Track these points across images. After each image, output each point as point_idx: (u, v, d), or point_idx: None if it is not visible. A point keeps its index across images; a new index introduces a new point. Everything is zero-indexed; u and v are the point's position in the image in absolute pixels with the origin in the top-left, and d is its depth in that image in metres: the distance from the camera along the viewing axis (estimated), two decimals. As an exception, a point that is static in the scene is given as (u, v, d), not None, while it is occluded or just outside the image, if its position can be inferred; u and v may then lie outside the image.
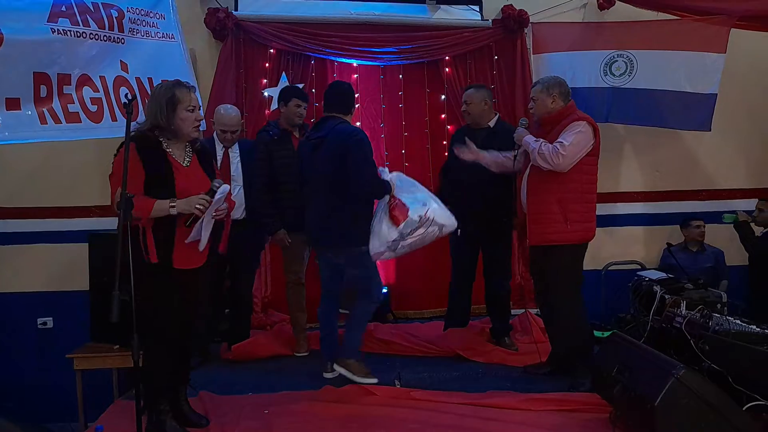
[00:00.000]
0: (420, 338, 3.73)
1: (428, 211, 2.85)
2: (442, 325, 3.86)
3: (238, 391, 2.96)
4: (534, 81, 4.30)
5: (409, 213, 2.82)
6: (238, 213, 3.34)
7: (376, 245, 2.86)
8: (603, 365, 2.70)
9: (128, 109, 2.22)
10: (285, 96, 3.59)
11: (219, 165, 3.33)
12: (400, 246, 2.87)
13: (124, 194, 2.10)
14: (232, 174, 3.39)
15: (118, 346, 3.70)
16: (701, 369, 2.72)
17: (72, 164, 4.08)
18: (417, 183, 3.04)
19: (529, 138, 3.07)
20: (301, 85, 4.21)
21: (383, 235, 2.83)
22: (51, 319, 4.25)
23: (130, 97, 2.41)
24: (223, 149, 3.47)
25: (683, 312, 3.16)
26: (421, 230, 2.86)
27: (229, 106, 3.61)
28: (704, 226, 4.41)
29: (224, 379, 3.17)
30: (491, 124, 3.61)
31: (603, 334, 3.56)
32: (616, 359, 2.61)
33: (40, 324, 4.24)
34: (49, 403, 3.95)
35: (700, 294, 3.37)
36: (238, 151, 3.50)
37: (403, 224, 2.81)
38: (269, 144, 3.49)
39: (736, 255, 4.42)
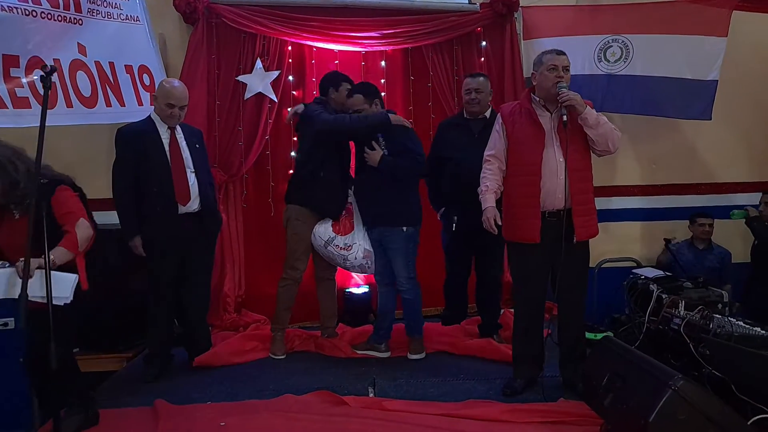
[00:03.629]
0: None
1: (359, 249, 3.31)
2: (431, 326, 3.63)
3: (196, 399, 2.71)
4: (524, 68, 4.17)
5: (355, 232, 3.34)
6: (195, 205, 3.05)
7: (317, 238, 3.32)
8: (593, 373, 2.46)
9: (45, 83, 1.98)
10: (335, 81, 3.43)
11: (167, 148, 3.00)
12: (324, 249, 3.33)
13: None
14: (183, 158, 3.03)
15: (78, 349, 3.49)
16: (701, 376, 2.49)
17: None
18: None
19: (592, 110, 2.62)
20: (276, 73, 3.98)
21: (320, 231, 3.33)
22: (12, 320, 4.00)
23: (48, 69, 2.11)
24: (169, 130, 3.03)
25: (681, 313, 2.93)
26: (344, 252, 3.31)
27: (174, 79, 3.30)
28: (712, 224, 4.17)
29: (184, 385, 2.92)
30: (487, 115, 3.43)
31: (596, 336, 3.31)
32: (608, 367, 2.37)
33: (0, 324, 4.00)
34: (2, 410, 3.71)
35: (700, 293, 3.13)
36: (181, 132, 3.08)
37: (337, 237, 3.31)
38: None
39: (741, 253, 4.22)
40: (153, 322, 3.09)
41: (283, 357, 3.32)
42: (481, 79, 3.44)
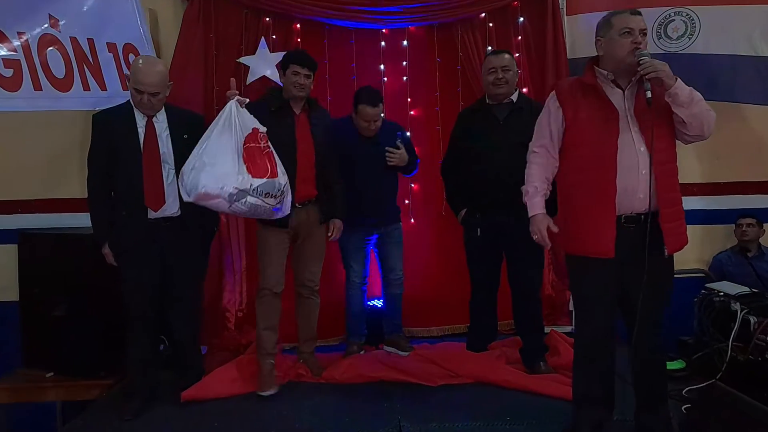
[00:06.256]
0: (428, 362, 2.99)
1: (286, 184, 2.55)
2: (455, 346, 3.22)
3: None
4: (568, 49, 3.63)
5: (279, 172, 2.49)
6: (174, 209, 2.55)
7: (209, 182, 2.31)
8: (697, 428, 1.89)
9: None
10: (283, 62, 2.88)
11: (142, 140, 2.50)
12: (237, 203, 2.37)
13: None
14: (161, 152, 2.53)
15: (52, 374, 3.01)
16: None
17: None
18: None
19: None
20: (283, 54, 3.43)
21: (228, 176, 2.33)
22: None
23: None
24: (145, 119, 2.55)
25: (780, 341, 2.37)
26: (270, 200, 2.44)
27: (151, 57, 2.82)
28: (756, 225, 3.62)
29: (169, 425, 2.42)
30: (513, 98, 2.96)
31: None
32: (720, 425, 1.81)
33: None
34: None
35: (798, 315, 2.56)
36: (165, 121, 2.58)
37: (264, 180, 2.40)
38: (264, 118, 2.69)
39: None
40: (131, 347, 2.60)
41: (272, 392, 2.71)
42: (507, 56, 2.99)
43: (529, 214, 2.19)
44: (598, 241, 2.07)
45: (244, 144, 2.41)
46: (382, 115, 3.08)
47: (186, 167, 2.37)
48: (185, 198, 2.38)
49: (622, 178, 2.05)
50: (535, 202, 2.19)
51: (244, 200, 2.35)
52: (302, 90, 2.80)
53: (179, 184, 2.40)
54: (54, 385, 2.94)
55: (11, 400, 2.95)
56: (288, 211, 2.63)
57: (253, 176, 2.37)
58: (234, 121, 2.41)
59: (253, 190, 2.37)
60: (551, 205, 2.28)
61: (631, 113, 2.11)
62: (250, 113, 2.57)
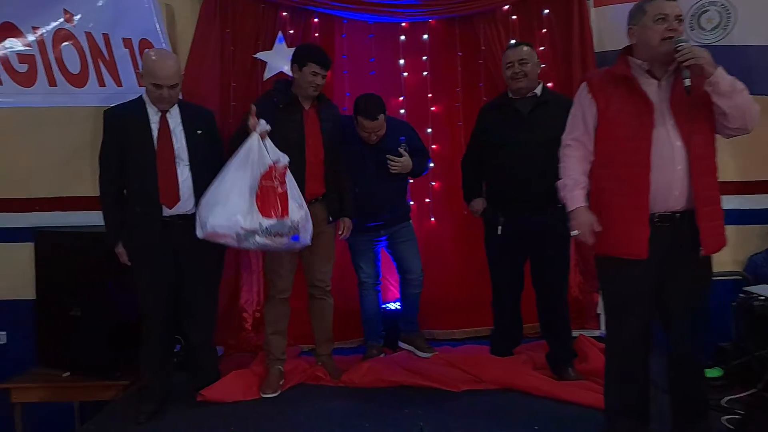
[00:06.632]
0: (450, 366, 2.88)
1: (304, 216, 2.50)
2: (479, 349, 3.12)
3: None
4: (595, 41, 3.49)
5: (291, 209, 2.43)
6: (188, 206, 2.48)
7: (219, 221, 2.32)
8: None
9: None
10: (300, 58, 2.72)
11: (156, 137, 2.44)
12: (246, 242, 2.37)
13: None
14: (175, 149, 2.46)
15: (68, 374, 2.97)
16: None
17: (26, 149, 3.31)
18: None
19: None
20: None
21: (238, 216, 2.32)
22: (5, 333, 3.51)
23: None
24: (159, 114, 2.48)
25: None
26: (279, 239, 2.40)
27: (161, 49, 2.76)
28: None
29: (184, 427, 2.37)
30: (537, 92, 2.84)
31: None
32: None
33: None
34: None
35: None
36: (178, 116, 2.51)
37: (274, 221, 2.37)
38: (272, 113, 2.63)
39: None
40: (145, 347, 2.54)
41: (273, 395, 2.68)
42: (525, 48, 2.86)
43: (569, 208, 2.05)
44: (630, 242, 1.94)
45: (260, 182, 2.37)
46: (384, 124, 2.90)
47: (203, 199, 2.37)
48: (198, 233, 2.38)
49: (657, 174, 1.92)
50: (574, 195, 2.05)
51: (252, 240, 2.35)
52: (317, 90, 2.72)
53: (197, 214, 2.39)
54: (71, 386, 2.91)
55: (30, 400, 2.92)
56: (308, 242, 2.56)
57: (263, 216, 2.35)
58: (253, 158, 2.38)
59: (263, 230, 2.35)
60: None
61: (667, 105, 1.98)
62: (258, 109, 2.53)
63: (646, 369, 2.07)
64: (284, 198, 2.41)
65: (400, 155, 2.89)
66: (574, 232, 2.03)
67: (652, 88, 2.01)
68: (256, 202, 2.34)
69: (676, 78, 1.98)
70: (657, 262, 1.94)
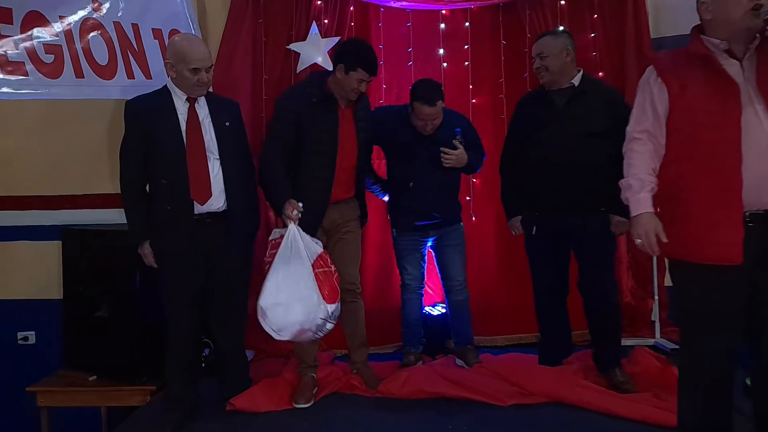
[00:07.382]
0: (495, 377, 2.68)
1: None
2: (526, 358, 2.92)
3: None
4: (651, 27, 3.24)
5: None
6: (220, 203, 2.33)
7: (301, 317, 2.27)
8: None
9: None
10: (349, 60, 2.48)
11: (184, 129, 2.29)
12: (320, 331, 2.35)
13: None
14: (205, 142, 2.30)
15: (94, 377, 2.87)
16: None
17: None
18: None
19: None
20: (335, 39, 3.23)
21: (314, 308, 2.29)
22: (33, 333, 3.44)
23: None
24: (187, 105, 2.32)
25: None
26: (333, 321, 2.38)
27: (188, 34, 2.63)
28: None
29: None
30: (575, 82, 2.61)
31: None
32: None
33: (20, 339, 3.45)
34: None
35: None
36: (206, 107, 2.35)
37: (336, 305, 2.36)
38: (309, 109, 2.48)
39: None
40: (171, 355, 2.41)
41: (306, 405, 2.51)
42: (546, 38, 2.65)
43: (633, 213, 1.82)
44: (720, 245, 1.70)
45: (314, 269, 2.32)
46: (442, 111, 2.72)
47: (265, 302, 2.27)
48: (276, 336, 2.31)
49: (750, 167, 1.68)
50: (640, 199, 1.82)
51: (324, 327, 2.33)
52: (357, 95, 2.54)
53: (259, 317, 2.29)
54: (96, 390, 2.80)
55: (56, 404, 2.83)
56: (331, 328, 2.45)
57: (327, 302, 2.31)
58: (299, 247, 2.32)
59: (330, 315, 2.33)
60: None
61: (753, 86, 1.74)
62: (289, 101, 2.42)
63: (730, 390, 1.81)
64: (334, 279, 2.38)
65: (455, 148, 2.70)
66: (638, 241, 1.80)
67: (733, 69, 1.77)
68: (321, 291, 2.30)
69: (761, 56, 1.74)
70: (750, 268, 1.70)
